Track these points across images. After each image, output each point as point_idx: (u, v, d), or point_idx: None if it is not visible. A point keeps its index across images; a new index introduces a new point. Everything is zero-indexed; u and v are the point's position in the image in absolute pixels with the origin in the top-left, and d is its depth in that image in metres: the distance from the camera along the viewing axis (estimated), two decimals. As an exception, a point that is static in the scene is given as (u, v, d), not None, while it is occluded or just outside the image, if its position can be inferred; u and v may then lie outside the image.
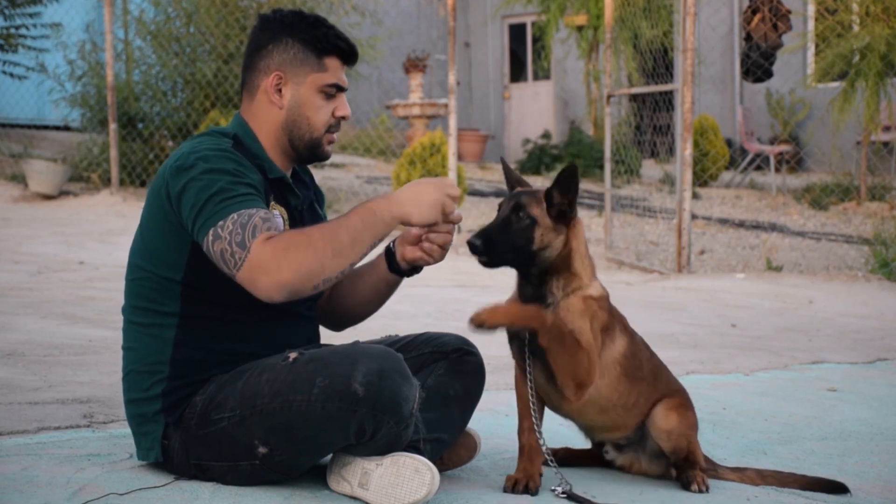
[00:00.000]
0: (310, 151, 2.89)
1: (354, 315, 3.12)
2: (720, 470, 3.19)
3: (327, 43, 2.85)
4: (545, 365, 2.91)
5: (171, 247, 2.73)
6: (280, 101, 2.85)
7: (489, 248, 2.82)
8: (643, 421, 3.10)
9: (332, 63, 2.87)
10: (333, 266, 2.58)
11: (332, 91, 2.87)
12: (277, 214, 2.80)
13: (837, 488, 3.12)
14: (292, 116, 2.85)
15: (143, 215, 2.81)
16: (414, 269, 2.99)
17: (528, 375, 2.96)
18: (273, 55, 2.85)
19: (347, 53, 2.89)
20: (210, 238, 2.58)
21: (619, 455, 3.21)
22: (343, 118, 2.91)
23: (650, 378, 3.11)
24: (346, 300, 3.08)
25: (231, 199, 2.60)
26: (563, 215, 2.87)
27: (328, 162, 16.48)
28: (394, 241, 2.99)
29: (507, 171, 3.05)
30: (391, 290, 3.07)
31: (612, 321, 3.00)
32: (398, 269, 2.98)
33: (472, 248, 2.81)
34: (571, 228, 2.91)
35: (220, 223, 2.57)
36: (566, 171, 2.83)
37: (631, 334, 3.08)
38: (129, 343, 2.83)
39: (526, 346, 2.93)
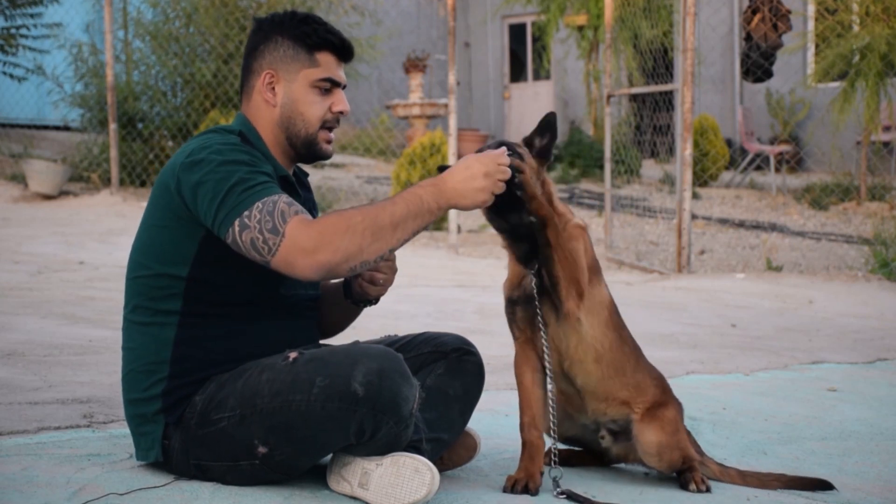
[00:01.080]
0: (307, 149, 2.89)
1: (326, 327, 3.12)
2: (706, 459, 3.18)
3: (317, 38, 2.85)
4: (552, 302, 2.94)
5: (177, 242, 2.73)
6: (273, 99, 2.86)
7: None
8: (629, 417, 3.09)
9: (325, 58, 2.86)
10: (372, 250, 2.58)
11: (327, 86, 2.86)
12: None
13: (820, 485, 3.11)
14: (286, 113, 2.85)
15: (146, 213, 2.81)
16: (366, 302, 3.01)
17: (542, 333, 2.96)
18: (265, 55, 2.86)
19: (340, 48, 2.88)
20: (236, 229, 2.59)
21: (615, 444, 3.20)
22: (341, 113, 2.90)
23: (634, 350, 3.12)
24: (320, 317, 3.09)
25: (252, 188, 2.61)
26: (543, 157, 2.98)
27: (328, 162, 16.51)
28: None
29: None
30: (346, 314, 3.09)
31: (597, 264, 3.08)
32: (348, 294, 3.01)
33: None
34: (544, 172, 3.01)
35: (246, 213, 2.58)
36: (546, 118, 2.98)
37: (611, 294, 3.13)
38: (129, 343, 2.83)
39: (538, 304, 2.95)
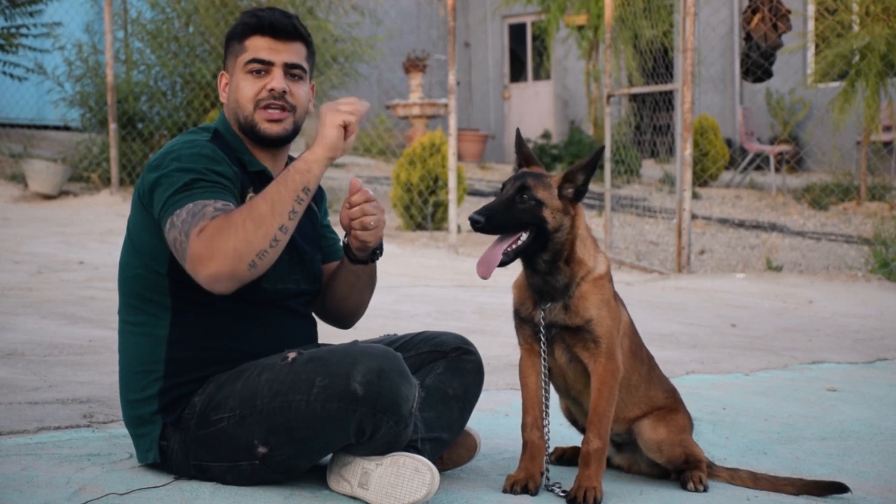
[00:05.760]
0: (252, 133, 2.88)
1: (344, 311, 3.10)
2: (715, 469, 3.18)
3: (242, 27, 2.89)
4: (567, 346, 2.93)
5: (154, 242, 2.76)
6: (224, 97, 2.93)
7: (491, 224, 2.82)
8: (633, 427, 3.10)
9: (254, 42, 2.87)
10: (260, 237, 2.56)
11: (256, 67, 2.86)
12: None
13: (835, 488, 3.08)
14: (231, 105, 2.90)
15: (130, 213, 2.85)
16: (372, 254, 2.96)
17: (543, 359, 2.95)
18: (224, 59, 2.96)
19: (261, 27, 2.86)
20: (167, 228, 2.63)
21: (617, 454, 3.22)
22: (272, 90, 2.85)
23: (648, 364, 3.11)
24: (329, 297, 3.07)
25: (191, 190, 2.64)
26: (579, 195, 2.90)
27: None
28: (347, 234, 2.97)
29: (519, 143, 3.04)
30: (361, 280, 3.03)
31: (615, 294, 3.03)
32: (355, 257, 2.95)
33: (474, 223, 2.80)
34: (576, 209, 2.94)
35: (177, 212, 2.61)
36: (597, 154, 2.87)
37: (628, 313, 3.09)
38: (124, 344, 2.85)
39: (542, 329, 2.93)
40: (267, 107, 2.86)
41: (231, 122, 2.92)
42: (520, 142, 3.04)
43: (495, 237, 2.89)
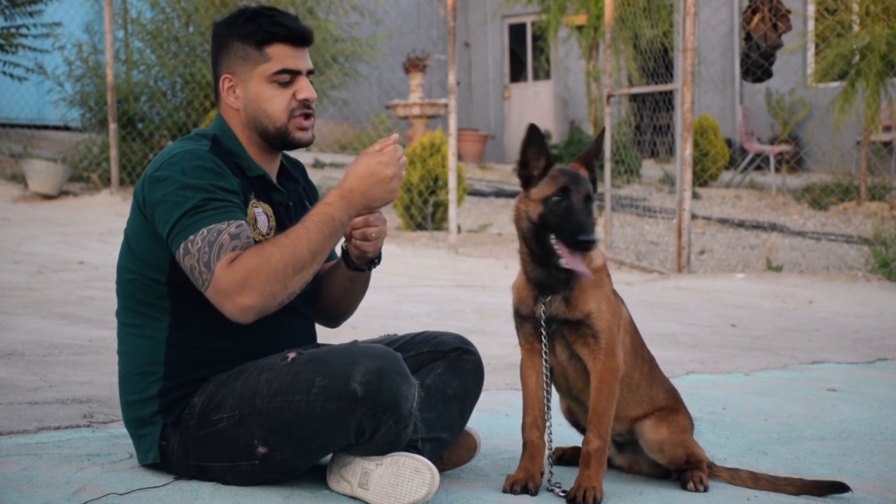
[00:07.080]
0: (282, 141, 2.87)
1: (335, 312, 3.11)
2: (716, 469, 3.17)
3: (263, 33, 2.83)
4: (567, 343, 2.93)
5: (154, 249, 2.75)
6: (236, 102, 2.87)
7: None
8: (635, 427, 3.10)
9: (277, 50, 2.83)
10: (296, 282, 2.63)
11: (285, 78, 2.84)
12: (261, 212, 2.82)
13: (836, 488, 3.07)
14: (251, 113, 2.85)
15: (129, 217, 2.84)
16: (370, 263, 2.97)
17: (543, 358, 2.95)
18: (221, 60, 2.88)
19: (290, 37, 2.84)
20: (181, 252, 2.63)
21: (619, 455, 3.22)
22: (306, 100, 2.86)
23: (650, 369, 3.11)
24: (322, 298, 3.07)
25: (202, 212, 2.63)
26: (594, 184, 2.93)
27: (328, 161, 16.51)
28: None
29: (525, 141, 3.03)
30: (356, 286, 3.04)
31: (614, 290, 3.03)
32: (352, 265, 2.96)
33: (593, 243, 2.81)
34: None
35: (191, 237, 2.62)
36: (600, 137, 2.92)
37: (628, 311, 3.09)
38: (124, 346, 2.85)
39: (542, 326, 2.93)
40: (300, 116, 2.86)
41: (237, 127, 2.88)
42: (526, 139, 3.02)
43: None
